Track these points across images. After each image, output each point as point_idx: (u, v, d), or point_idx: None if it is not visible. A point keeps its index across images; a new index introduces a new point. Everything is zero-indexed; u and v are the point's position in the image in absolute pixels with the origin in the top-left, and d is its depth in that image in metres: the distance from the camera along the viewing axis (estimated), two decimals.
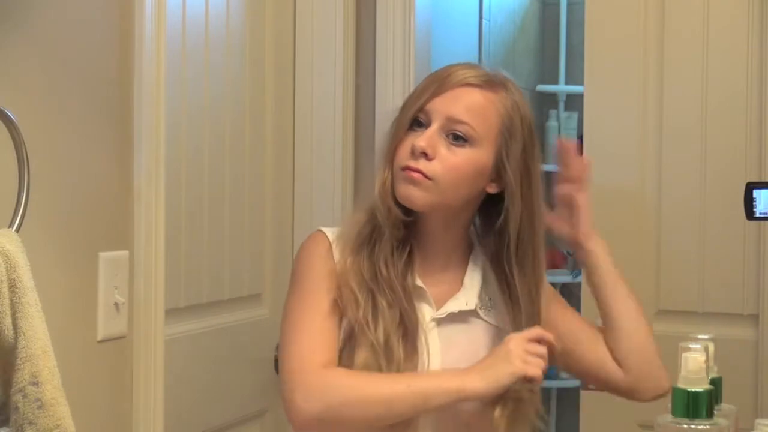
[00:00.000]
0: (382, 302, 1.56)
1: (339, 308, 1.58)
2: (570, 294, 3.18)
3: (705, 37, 2.39)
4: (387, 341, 1.55)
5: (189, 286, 2.02)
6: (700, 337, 1.41)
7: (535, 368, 1.52)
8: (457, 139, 1.57)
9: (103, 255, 1.61)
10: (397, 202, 1.59)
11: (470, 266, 1.67)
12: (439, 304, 1.64)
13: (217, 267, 2.12)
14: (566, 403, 3.76)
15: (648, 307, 2.43)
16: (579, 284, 2.52)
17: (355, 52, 2.41)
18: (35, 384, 1.26)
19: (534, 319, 1.62)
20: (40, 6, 1.47)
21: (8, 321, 1.25)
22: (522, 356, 1.52)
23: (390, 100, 2.38)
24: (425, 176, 1.56)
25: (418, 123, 1.60)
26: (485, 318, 1.65)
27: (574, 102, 3.99)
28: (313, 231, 1.68)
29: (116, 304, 1.64)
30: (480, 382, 1.51)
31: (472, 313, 1.65)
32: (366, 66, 2.42)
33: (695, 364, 1.31)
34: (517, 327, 1.61)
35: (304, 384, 1.51)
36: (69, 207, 1.55)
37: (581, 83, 2.60)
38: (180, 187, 1.97)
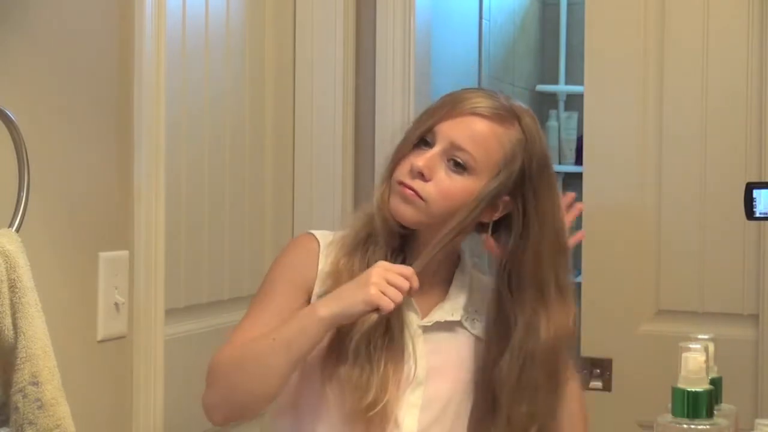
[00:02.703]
0: None
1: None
2: None
3: (705, 37, 2.38)
4: (369, 344, 1.55)
5: (189, 286, 2.02)
6: (700, 337, 1.41)
7: (387, 301, 1.49)
8: (457, 165, 1.58)
9: (103, 255, 1.61)
10: (391, 215, 1.60)
11: (457, 279, 1.68)
12: (425, 314, 1.65)
13: (217, 267, 2.12)
14: None
15: (648, 307, 2.44)
16: (578, 284, 2.51)
17: (355, 52, 2.41)
18: (35, 384, 1.26)
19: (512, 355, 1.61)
20: (40, 6, 1.47)
21: (8, 321, 1.25)
22: (380, 284, 1.49)
23: (390, 100, 2.38)
24: (418, 196, 1.57)
25: (424, 142, 1.60)
26: (470, 329, 1.66)
27: (574, 102, 3.99)
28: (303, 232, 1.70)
29: (116, 304, 1.64)
30: (331, 308, 1.50)
31: (458, 324, 1.66)
32: (366, 66, 2.42)
33: (695, 364, 1.31)
34: (488, 352, 1.62)
35: (206, 377, 1.56)
36: (69, 207, 1.55)
37: (581, 83, 2.59)
38: (180, 187, 1.97)
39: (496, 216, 1.61)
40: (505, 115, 1.60)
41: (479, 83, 3.37)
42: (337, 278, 1.58)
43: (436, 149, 1.58)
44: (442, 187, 1.57)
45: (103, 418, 1.62)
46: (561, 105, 4.08)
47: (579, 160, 3.43)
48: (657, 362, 2.17)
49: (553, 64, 4.09)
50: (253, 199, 2.24)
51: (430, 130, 1.59)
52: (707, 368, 1.34)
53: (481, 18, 3.42)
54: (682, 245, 2.40)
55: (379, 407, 1.53)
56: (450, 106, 1.60)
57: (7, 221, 1.32)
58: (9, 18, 1.41)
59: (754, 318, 2.34)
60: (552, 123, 4.05)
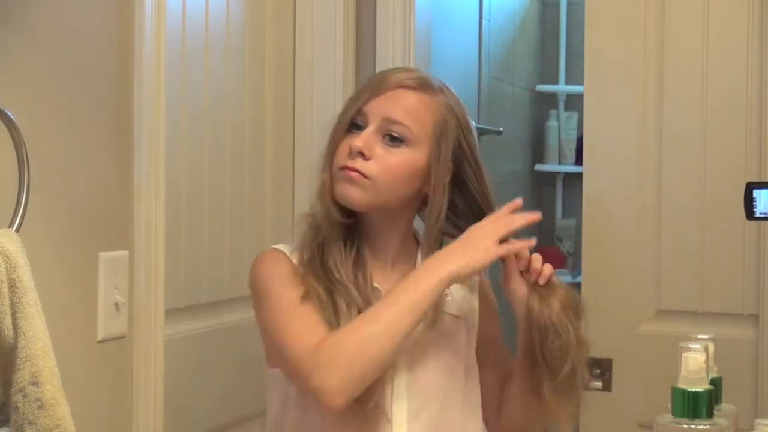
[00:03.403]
0: (341, 303, 1.58)
1: (312, 299, 1.58)
2: None
3: (705, 37, 2.38)
4: None
5: (189, 286, 2.02)
6: (700, 337, 1.42)
7: (505, 247, 1.56)
8: (394, 140, 1.60)
9: (103, 255, 1.61)
10: (335, 203, 1.61)
11: (419, 261, 1.68)
12: None
13: (217, 267, 2.12)
14: None
15: (648, 307, 2.43)
16: (578, 284, 2.51)
17: (355, 52, 2.41)
18: (35, 384, 1.26)
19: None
20: (39, 6, 1.47)
21: (8, 321, 1.25)
22: (494, 235, 1.56)
23: None
24: (363, 175, 1.58)
25: (356, 126, 1.63)
26: (444, 309, 1.65)
27: (574, 102, 3.99)
28: (264, 250, 1.70)
29: (116, 304, 1.64)
30: (451, 266, 1.54)
31: None
32: (366, 66, 2.42)
33: (695, 364, 1.31)
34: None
35: (313, 371, 1.50)
36: (69, 207, 1.55)
37: (581, 83, 2.59)
38: (180, 187, 1.97)
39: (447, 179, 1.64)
40: (429, 83, 1.64)
41: (479, 83, 3.37)
42: (307, 282, 1.59)
43: (371, 128, 1.60)
44: (384, 162, 1.59)
45: (103, 418, 1.62)
46: (561, 105, 4.08)
47: (579, 160, 3.43)
48: (657, 362, 2.16)
49: (553, 64, 4.09)
50: (253, 199, 2.24)
51: (360, 111, 1.62)
52: (707, 368, 1.34)
53: (481, 18, 3.43)
54: (682, 245, 2.40)
55: (371, 404, 1.54)
56: (374, 85, 1.63)
57: (7, 221, 1.32)
58: (9, 18, 1.41)
59: (754, 318, 2.34)
60: (552, 123, 4.05)
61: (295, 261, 1.63)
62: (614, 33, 2.46)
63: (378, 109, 1.61)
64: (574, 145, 3.99)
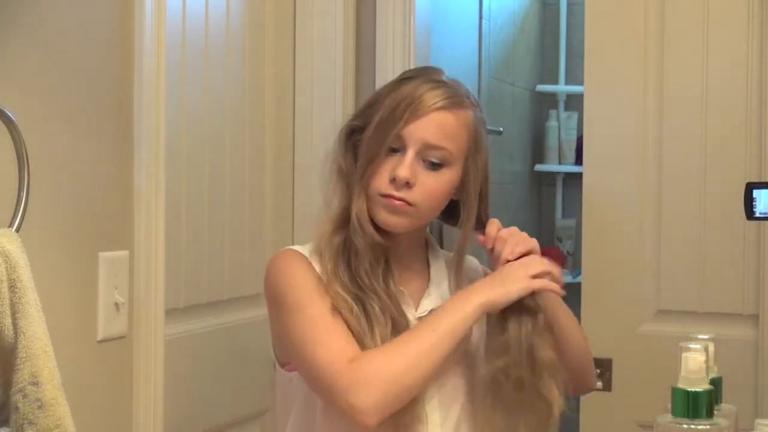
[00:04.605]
0: (374, 309, 1.57)
1: (340, 311, 1.57)
2: (570, 295, 3.17)
3: (705, 37, 2.38)
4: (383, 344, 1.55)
5: (189, 286, 2.02)
6: (700, 337, 1.41)
7: (546, 282, 1.58)
8: (434, 165, 1.60)
9: (103, 255, 1.61)
10: (374, 225, 1.61)
11: (432, 264, 1.70)
12: (415, 302, 1.66)
13: (217, 267, 2.12)
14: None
15: (648, 307, 2.44)
16: (578, 284, 2.52)
17: (355, 52, 2.41)
18: (35, 384, 1.26)
19: None
20: (40, 6, 1.47)
21: (8, 321, 1.25)
22: (532, 272, 1.58)
23: None
24: (407, 203, 1.59)
25: (393, 149, 1.61)
26: None
27: (574, 102, 3.99)
28: (281, 250, 1.67)
29: (116, 304, 1.64)
30: (488, 295, 1.56)
31: None
32: (366, 66, 2.42)
33: (695, 364, 1.31)
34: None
35: (350, 389, 1.50)
36: (69, 207, 1.55)
37: (581, 83, 2.60)
38: (180, 187, 1.97)
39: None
40: (461, 98, 1.63)
41: (479, 83, 3.37)
42: (333, 288, 1.58)
43: (410, 153, 1.59)
44: (427, 188, 1.60)
45: (103, 418, 1.62)
46: (561, 105, 4.08)
47: (579, 160, 3.43)
48: (657, 362, 2.17)
49: (553, 64, 4.09)
50: (253, 199, 2.24)
51: (398, 136, 1.59)
52: (707, 368, 1.34)
53: (481, 18, 3.42)
54: (682, 245, 2.40)
55: (408, 416, 1.54)
56: (411, 109, 1.60)
57: (7, 221, 1.32)
58: (9, 18, 1.41)
59: (754, 318, 2.34)
60: (552, 123, 4.05)
61: (316, 265, 1.61)
62: (614, 33, 2.46)
63: (417, 134, 1.59)
64: (574, 145, 3.99)
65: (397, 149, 1.60)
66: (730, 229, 2.33)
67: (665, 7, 2.42)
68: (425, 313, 1.64)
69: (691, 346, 1.32)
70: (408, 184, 1.58)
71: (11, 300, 1.25)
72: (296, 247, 1.66)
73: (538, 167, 4.04)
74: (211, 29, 2.07)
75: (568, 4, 4.04)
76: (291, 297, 1.59)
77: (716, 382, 1.39)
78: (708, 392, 1.30)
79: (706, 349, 1.34)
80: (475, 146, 1.64)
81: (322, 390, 1.55)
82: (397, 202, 1.58)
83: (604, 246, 2.46)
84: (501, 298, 1.57)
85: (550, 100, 4.12)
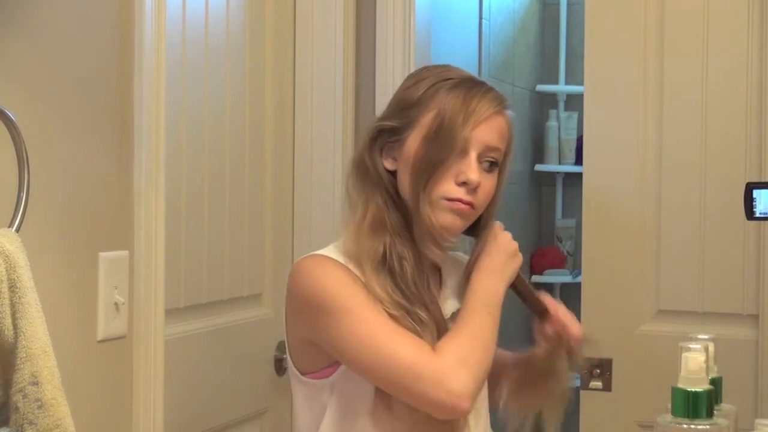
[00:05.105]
0: (423, 317, 1.57)
1: (392, 314, 1.57)
2: (570, 295, 3.18)
3: (705, 37, 2.38)
4: None
5: (189, 286, 2.02)
6: (700, 337, 1.41)
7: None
8: (492, 165, 1.63)
9: (103, 255, 1.61)
10: (436, 231, 1.61)
11: (443, 264, 1.71)
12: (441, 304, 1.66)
13: (217, 267, 2.12)
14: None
15: (648, 307, 2.44)
16: (578, 284, 2.52)
17: (355, 52, 2.41)
18: (35, 384, 1.26)
19: None
20: (40, 6, 1.47)
21: (8, 321, 1.25)
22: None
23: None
24: (472, 206, 1.61)
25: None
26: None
27: (574, 102, 3.99)
28: (307, 256, 1.62)
29: (116, 304, 1.64)
30: (502, 281, 1.64)
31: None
32: (366, 66, 2.42)
33: (695, 364, 1.31)
34: None
35: (447, 374, 1.51)
36: (69, 207, 1.55)
37: (581, 83, 2.60)
38: (180, 187, 1.97)
39: None
40: (506, 100, 1.68)
41: None
42: (377, 298, 1.56)
43: (473, 155, 1.60)
44: (486, 190, 1.62)
45: (103, 418, 1.62)
46: (561, 105, 4.08)
47: (579, 160, 3.43)
48: (657, 362, 2.17)
49: (553, 64, 4.09)
50: (253, 199, 2.24)
51: (465, 140, 1.60)
52: (707, 368, 1.34)
53: (481, 18, 3.42)
54: (682, 245, 2.40)
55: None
56: (474, 112, 1.61)
57: (7, 221, 1.32)
58: (9, 18, 1.41)
59: (754, 318, 2.34)
60: (552, 123, 4.05)
61: (357, 272, 1.58)
62: (614, 33, 2.46)
63: (481, 137, 1.61)
64: (574, 145, 3.99)
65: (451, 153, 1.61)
66: (730, 229, 2.33)
67: (665, 8, 2.42)
68: (448, 316, 1.63)
69: (691, 346, 1.33)
70: (475, 189, 1.60)
71: (11, 300, 1.25)
72: (323, 252, 1.61)
73: (538, 167, 4.04)
74: (211, 29, 2.07)
75: (568, 4, 4.04)
76: (343, 301, 1.55)
77: (716, 382, 1.39)
78: (708, 392, 1.30)
79: (706, 349, 1.34)
80: (511, 146, 1.68)
81: (406, 386, 1.52)
82: (464, 206, 1.60)
83: (604, 246, 2.46)
84: (509, 279, 1.65)
85: (550, 100, 4.12)
